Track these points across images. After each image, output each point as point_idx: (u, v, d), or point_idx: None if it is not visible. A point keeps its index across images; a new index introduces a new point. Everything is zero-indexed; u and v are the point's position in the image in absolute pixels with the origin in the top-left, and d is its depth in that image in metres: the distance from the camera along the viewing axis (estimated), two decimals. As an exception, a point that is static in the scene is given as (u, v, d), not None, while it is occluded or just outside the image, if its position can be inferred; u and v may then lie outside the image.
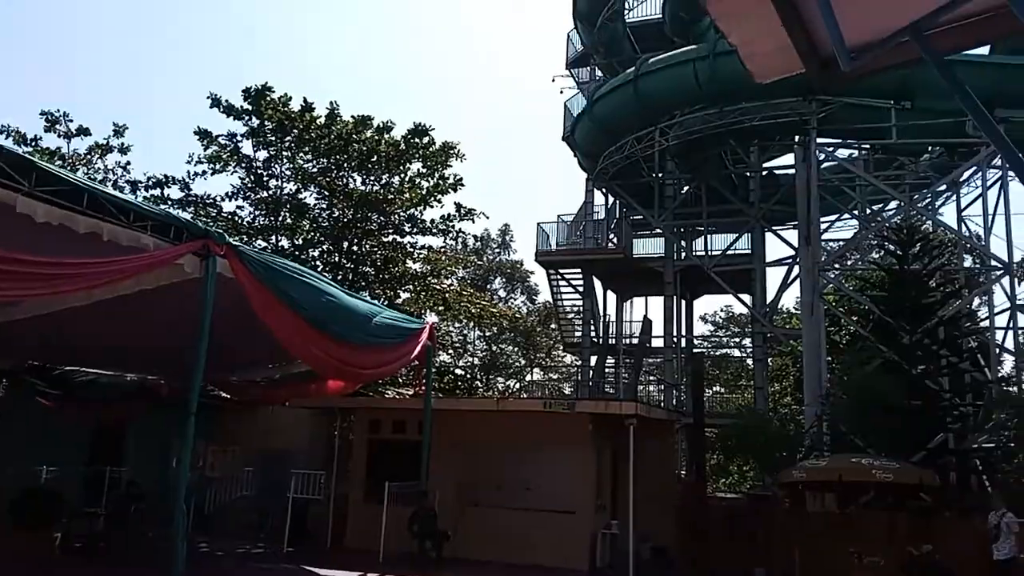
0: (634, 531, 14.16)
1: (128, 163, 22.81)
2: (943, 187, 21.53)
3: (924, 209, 21.57)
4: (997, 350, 19.34)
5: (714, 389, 38.66)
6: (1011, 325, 18.61)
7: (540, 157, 79.40)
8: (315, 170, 22.17)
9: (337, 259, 22.14)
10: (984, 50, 19.56)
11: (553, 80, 38.31)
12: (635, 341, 28.03)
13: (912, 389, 16.09)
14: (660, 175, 24.22)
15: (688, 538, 15.96)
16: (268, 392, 16.43)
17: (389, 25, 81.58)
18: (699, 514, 16.23)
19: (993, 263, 19.22)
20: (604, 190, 26.40)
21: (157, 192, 21.90)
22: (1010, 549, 11.23)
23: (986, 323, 20.04)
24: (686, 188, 25.89)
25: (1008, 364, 21.16)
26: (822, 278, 19.35)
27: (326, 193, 22.17)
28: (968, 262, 22.53)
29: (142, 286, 8.75)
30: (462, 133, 76.00)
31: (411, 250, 23.25)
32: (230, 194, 22.21)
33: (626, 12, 26.42)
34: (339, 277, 20.86)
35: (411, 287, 23.25)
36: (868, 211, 23.79)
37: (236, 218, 22.23)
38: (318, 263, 21.81)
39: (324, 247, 22.48)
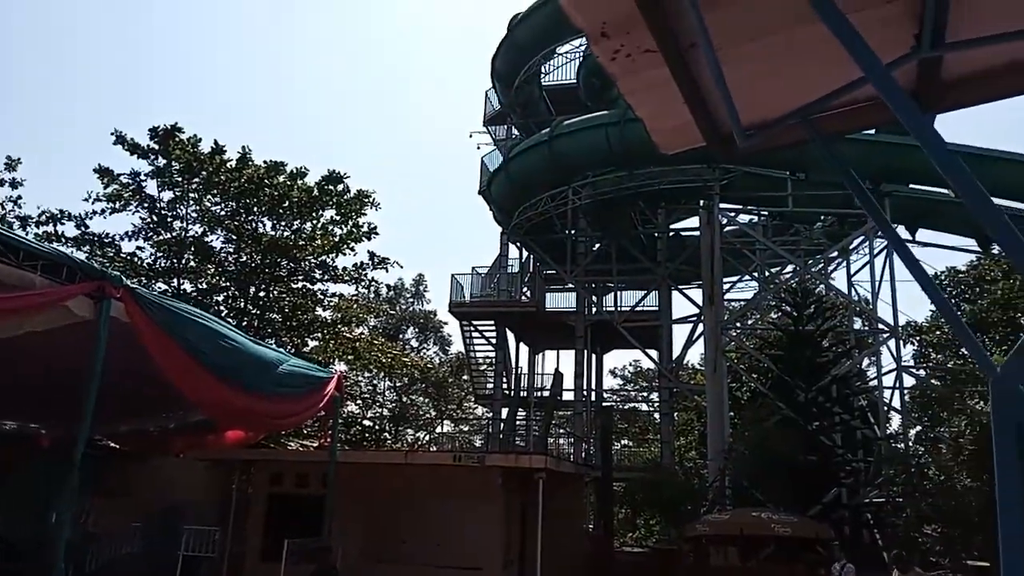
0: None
1: (20, 197, 21.63)
2: (835, 253, 22.89)
3: (817, 273, 22.84)
4: (885, 408, 20.45)
5: (622, 442, 39.14)
6: (897, 385, 19.74)
7: (457, 210, 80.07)
8: (223, 213, 21.60)
9: (243, 305, 21.45)
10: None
11: (471, 136, 38.79)
12: (546, 394, 28.19)
13: (808, 445, 16.78)
14: (573, 232, 24.80)
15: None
16: (161, 442, 15.56)
17: (303, 71, 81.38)
18: (606, 568, 16.25)
19: (880, 326, 20.45)
20: (518, 244, 26.80)
21: (50, 229, 20.80)
22: None
23: (875, 382, 21.19)
24: (597, 245, 26.57)
25: (895, 422, 22.38)
26: (724, 336, 20.09)
27: (234, 237, 21.59)
28: (858, 324, 23.88)
29: (28, 328, 8.22)
30: (378, 183, 75.91)
31: (321, 297, 22.81)
32: (130, 234, 21.32)
33: (542, 76, 27.35)
34: (244, 323, 20.21)
35: (320, 335, 22.73)
36: (767, 274, 25.01)
37: (136, 259, 21.31)
38: (222, 308, 21.08)
39: (229, 292, 21.77)
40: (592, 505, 23.83)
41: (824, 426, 17.67)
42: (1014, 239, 1.55)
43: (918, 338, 29.08)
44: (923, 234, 21.24)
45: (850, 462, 17.89)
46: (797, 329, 18.47)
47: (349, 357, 23.40)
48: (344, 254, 22.39)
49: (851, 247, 22.55)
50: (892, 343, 20.08)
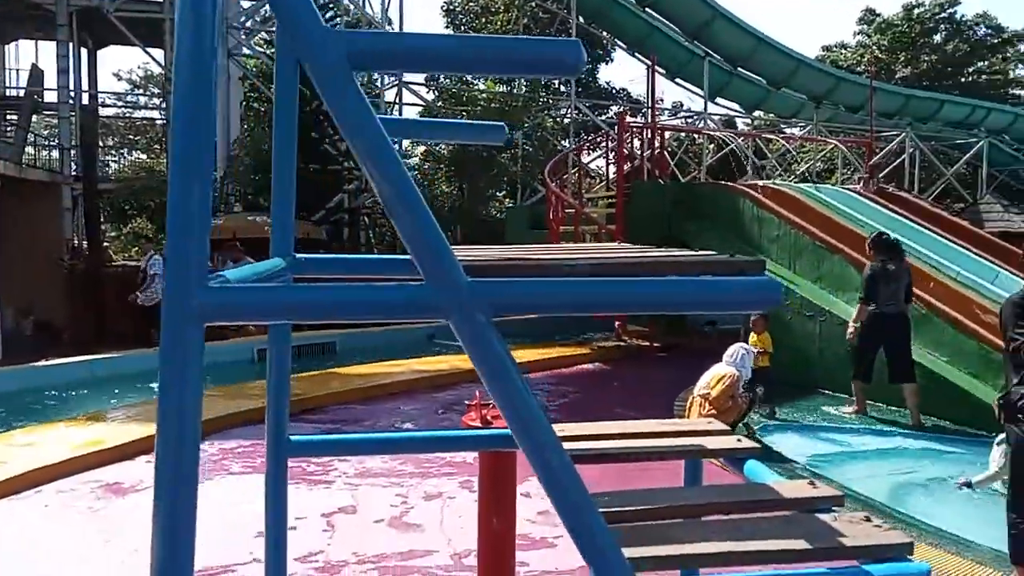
0: (7, 306, 12.50)
1: None
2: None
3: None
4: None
5: (135, 155, 35.63)
6: (398, 100, 20.97)
7: None
8: None
9: None
10: None
11: None
12: (21, 94, 23.52)
13: (312, 154, 17.14)
14: None
15: (80, 309, 14.90)
16: None
17: None
18: (93, 279, 15.14)
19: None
20: None
21: None
22: (158, 293, 11.09)
23: (389, 96, 22.10)
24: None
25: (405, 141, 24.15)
26: (234, 37, 18.54)
27: None
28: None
29: None
30: None
31: None
32: None
33: None
34: None
35: None
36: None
37: None
38: None
39: None
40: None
41: (329, 136, 18.10)
42: None
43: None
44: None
45: (353, 170, 18.87)
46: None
47: None
48: None
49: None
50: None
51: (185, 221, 1.15)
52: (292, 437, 2.03)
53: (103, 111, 27.60)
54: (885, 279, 7.23)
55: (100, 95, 26.68)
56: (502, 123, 2.10)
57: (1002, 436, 5.15)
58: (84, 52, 24.39)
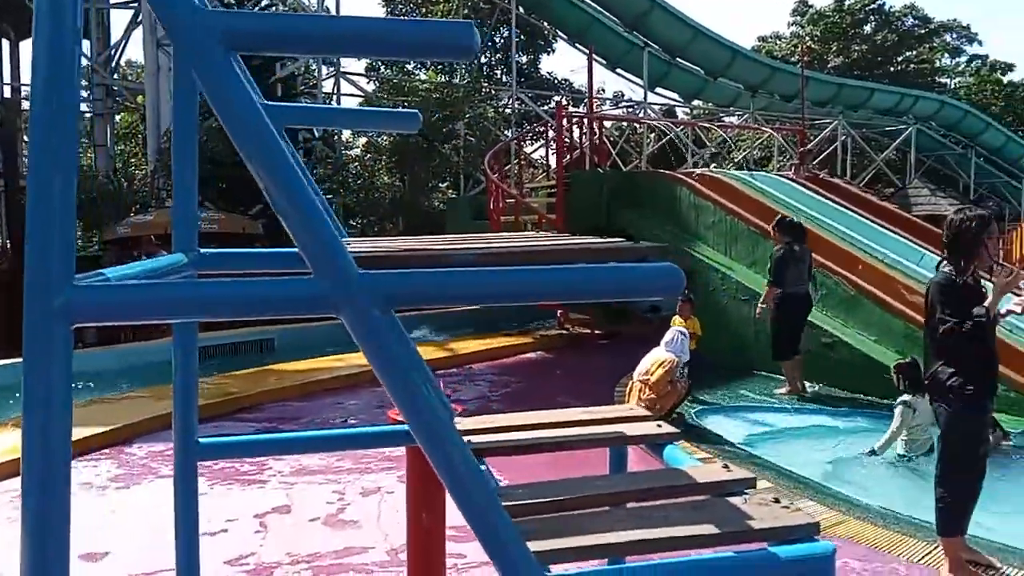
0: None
1: None
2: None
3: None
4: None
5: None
6: (336, 91, 20.59)
7: None
8: None
9: None
10: None
11: None
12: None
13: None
14: None
15: (5, 311, 14.29)
16: None
17: None
18: (18, 285, 14.54)
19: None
20: None
21: None
22: None
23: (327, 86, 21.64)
24: None
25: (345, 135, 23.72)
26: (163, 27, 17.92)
27: None
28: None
29: None
30: None
31: None
32: None
33: None
34: None
35: None
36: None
37: None
38: None
39: None
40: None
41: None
42: None
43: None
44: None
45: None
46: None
47: None
48: None
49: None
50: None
51: (47, 214, 1.08)
52: (201, 440, 1.96)
53: (26, 105, 26.38)
54: (793, 261, 7.46)
55: (23, 88, 25.53)
56: (416, 111, 2.05)
57: (900, 399, 5.50)
58: (5, 44, 23.39)
